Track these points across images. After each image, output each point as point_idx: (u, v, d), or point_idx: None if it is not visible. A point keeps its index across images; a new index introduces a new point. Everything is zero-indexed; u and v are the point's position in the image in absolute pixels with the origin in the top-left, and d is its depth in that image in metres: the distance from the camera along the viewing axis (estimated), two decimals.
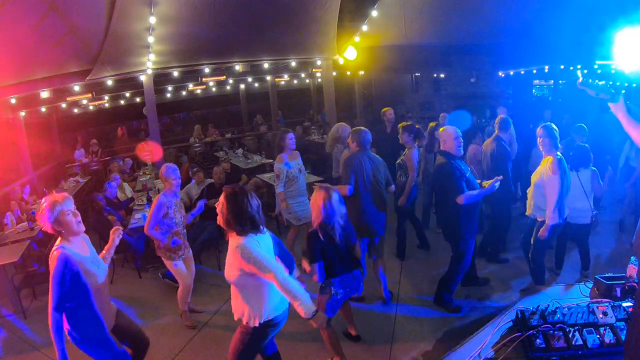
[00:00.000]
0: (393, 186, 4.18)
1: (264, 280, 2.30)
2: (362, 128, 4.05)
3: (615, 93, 1.98)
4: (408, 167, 4.81)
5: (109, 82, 7.69)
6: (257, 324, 2.37)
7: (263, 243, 2.39)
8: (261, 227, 2.40)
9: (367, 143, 3.97)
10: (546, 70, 12.12)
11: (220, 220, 2.36)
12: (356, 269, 3.18)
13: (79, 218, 2.48)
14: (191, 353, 3.64)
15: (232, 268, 2.32)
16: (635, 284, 2.49)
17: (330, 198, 2.96)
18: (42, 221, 2.42)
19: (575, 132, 5.05)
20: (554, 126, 3.69)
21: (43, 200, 2.47)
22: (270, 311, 2.41)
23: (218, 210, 2.36)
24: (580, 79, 2.09)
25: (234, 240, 2.33)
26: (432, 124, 5.75)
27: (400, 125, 5.04)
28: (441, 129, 3.79)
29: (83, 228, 2.52)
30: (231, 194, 2.33)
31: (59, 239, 2.47)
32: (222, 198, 2.37)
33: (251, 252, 2.24)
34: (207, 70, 8.48)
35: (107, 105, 12.19)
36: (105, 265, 2.70)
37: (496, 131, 4.76)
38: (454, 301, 3.88)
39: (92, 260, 2.56)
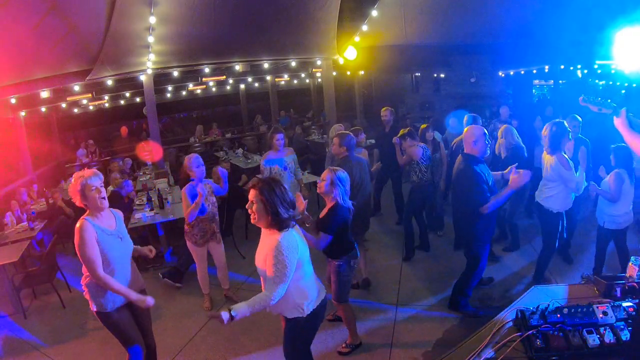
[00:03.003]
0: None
1: (301, 272, 2.32)
2: (348, 132, 4.22)
3: (617, 107, 2.06)
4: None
5: (109, 82, 7.69)
6: (304, 315, 2.36)
7: (298, 232, 2.35)
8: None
9: (354, 146, 4.11)
10: (546, 70, 12.12)
11: (256, 219, 2.24)
12: (355, 240, 3.33)
13: (103, 194, 2.60)
14: (191, 353, 3.64)
15: (269, 264, 2.24)
16: (635, 284, 2.49)
17: (336, 175, 3.10)
18: (72, 194, 2.60)
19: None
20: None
21: (74, 174, 2.64)
22: (315, 299, 2.42)
23: (252, 210, 2.24)
24: (582, 97, 2.21)
25: (272, 237, 2.23)
26: (423, 126, 5.60)
27: (399, 135, 5.08)
28: (465, 129, 3.57)
29: (106, 204, 2.63)
30: (266, 186, 2.20)
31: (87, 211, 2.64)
32: (253, 195, 2.23)
33: (282, 253, 2.16)
34: (207, 70, 8.48)
35: (107, 105, 12.20)
36: (131, 243, 2.80)
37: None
38: (470, 306, 3.79)
39: (115, 233, 2.66)
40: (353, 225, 3.48)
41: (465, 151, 3.49)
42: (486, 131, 3.45)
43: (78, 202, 2.59)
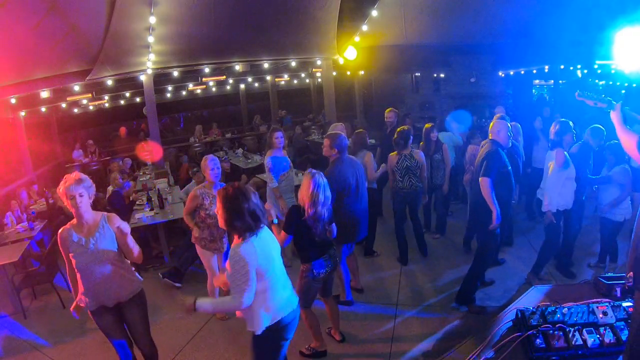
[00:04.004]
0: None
1: (267, 283, 2.28)
2: (339, 133, 4.01)
3: (612, 101, 2.13)
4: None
5: (109, 82, 7.69)
6: (260, 330, 2.30)
7: (262, 242, 2.29)
8: (260, 225, 2.31)
9: (346, 147, 3.93)
10: (546, 70, 12.11)
11: (220, 223, 2.32)
12: (330, 249, 3.24)
13: (80, 203, 2.60)
14: (191, 353, 3.64)
15: (228, 272, 2.28)
16: None
17: (316, 182, 3.03)
18: (61, 197, 2.66)
19: (591, 135, 4.32)
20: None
21: (65, 176, 2.67)
22: (276, 313, 2.34)
23: (218, 215, 2.31)
24: (577, 92, 2.30)
25: (233, 245, 2.27)
26: (427, 125, 5.50)
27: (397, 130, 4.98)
28: (492, 123, 3.81)
29: (81, 213, 2.63)
30: (225, 196, 2.26)
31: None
32: (217, 202, 2.30)
33: (239, 262, 2.18)
34: (207, 70, 8.48)
35: (107, 105, 12.19)
36: (105, 257, 2.70)
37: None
38: (477, 301, 3.84)
39: (82, 242, 2.65)
40: (342, 232, 3.44)
41: (491, 138, 3.74)
42: (510, 125, 3.75)
43: (65, 203, 2.65)
